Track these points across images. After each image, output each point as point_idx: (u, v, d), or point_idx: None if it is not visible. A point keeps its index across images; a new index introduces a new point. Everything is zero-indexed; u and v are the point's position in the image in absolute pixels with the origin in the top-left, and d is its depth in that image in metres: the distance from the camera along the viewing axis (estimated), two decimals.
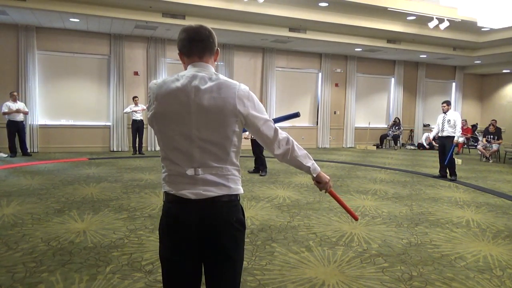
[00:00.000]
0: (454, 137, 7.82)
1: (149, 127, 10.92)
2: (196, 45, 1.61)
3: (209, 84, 1.55)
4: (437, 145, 8.34)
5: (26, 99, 10.01)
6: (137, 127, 10.58)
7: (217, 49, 1.68)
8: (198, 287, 1.66)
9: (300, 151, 1.71)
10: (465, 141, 13.73)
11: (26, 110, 9.54)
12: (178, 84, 1.55)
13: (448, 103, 8.06)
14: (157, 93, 1.57)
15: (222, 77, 1.60)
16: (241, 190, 1.64)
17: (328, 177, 1.80)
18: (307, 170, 1.74)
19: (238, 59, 12.32)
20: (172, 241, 1.60)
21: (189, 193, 1.55)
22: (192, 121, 1.53)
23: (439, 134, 8.06)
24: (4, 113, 9.13)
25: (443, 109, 8.00)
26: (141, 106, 10.56)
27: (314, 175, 1.76)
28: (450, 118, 7.85)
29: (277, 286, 2.99)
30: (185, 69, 1.65)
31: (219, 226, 1.57)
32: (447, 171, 7.98)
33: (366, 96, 14.70)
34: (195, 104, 1.53)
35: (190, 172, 1.55)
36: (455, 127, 7.79)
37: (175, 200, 1.58)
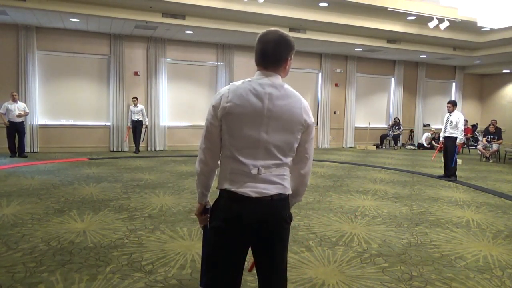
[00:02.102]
0: (455, 138, 7.73)
1: (148, 127, 11.11)
2: (268, 60, 1.71)
3: (281, 92, 1.68)
4: (437, 145, 8.31)
5: (26, 99, 9.99)
6: (134, 127, 10.64)
7: (290, 56, 1.78)
8: (241, 271, 1.77)
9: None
10: (465, 141, 13.72)
11: (27, 111, 9.49)
12: (252, 89, 1.65)
13: (453, 103, 7.92)
14: (232, 95, 1.65)
15: (287, 86, 1.72)
16: (290, 190, 1.79)
17: None
18: (297, 201, 1.91)
19: (238, 59, 12.27)
20: (228, 233, 1.69)
21: (250, 191, 1.66)
22: (263, 125, 1.65)
23: (444, 134, 8.03)
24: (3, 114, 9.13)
25: (447, 109, 7.92)
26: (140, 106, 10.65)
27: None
28: (452, 119, 7.76)
29: None
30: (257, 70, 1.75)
31: (275, 224, 1.72)
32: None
33: (366, 96, 14.70)
34: (268, 109, 1.65)
35: (254, 171, 1.66)
36: (456, 129, 7.71)
37: (235, 197, 1.67)
